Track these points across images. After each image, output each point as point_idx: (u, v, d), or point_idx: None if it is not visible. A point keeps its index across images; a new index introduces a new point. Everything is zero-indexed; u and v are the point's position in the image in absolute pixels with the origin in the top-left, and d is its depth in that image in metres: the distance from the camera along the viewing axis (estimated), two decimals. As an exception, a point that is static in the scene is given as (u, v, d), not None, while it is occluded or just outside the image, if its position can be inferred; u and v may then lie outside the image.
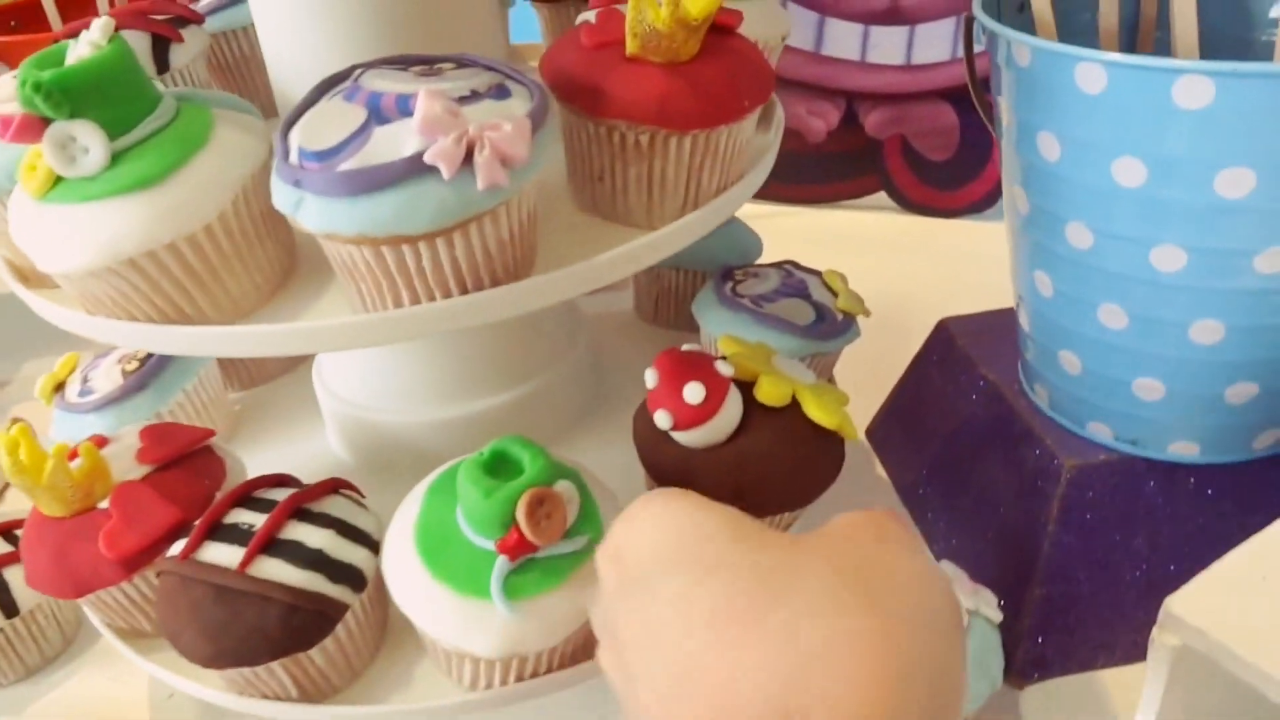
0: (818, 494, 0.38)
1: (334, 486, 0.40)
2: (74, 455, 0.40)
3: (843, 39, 0.94)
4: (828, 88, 0.95)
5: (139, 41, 0.44)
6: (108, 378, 0.50)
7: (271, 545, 0.37)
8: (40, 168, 0.31)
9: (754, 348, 0.39)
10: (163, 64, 0.45)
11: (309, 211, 0.30)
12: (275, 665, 0.36)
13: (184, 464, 0.42)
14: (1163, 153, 0.37)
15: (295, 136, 0.31)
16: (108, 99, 0.30)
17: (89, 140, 0.30)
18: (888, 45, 0.93)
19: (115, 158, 0.30)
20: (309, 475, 0.41)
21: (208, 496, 0.41)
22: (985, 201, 0.94)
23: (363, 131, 0.30)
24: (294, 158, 0.31)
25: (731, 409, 0.36)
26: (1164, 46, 0.45)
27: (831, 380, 0.55)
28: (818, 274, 0.54)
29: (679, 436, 0.36)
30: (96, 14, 0.44)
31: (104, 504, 0.40)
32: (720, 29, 0.36)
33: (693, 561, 0.23)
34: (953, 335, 0.56)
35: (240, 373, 0.57)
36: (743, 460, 0.36)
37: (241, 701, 0.38)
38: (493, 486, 0.33)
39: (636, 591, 0.24)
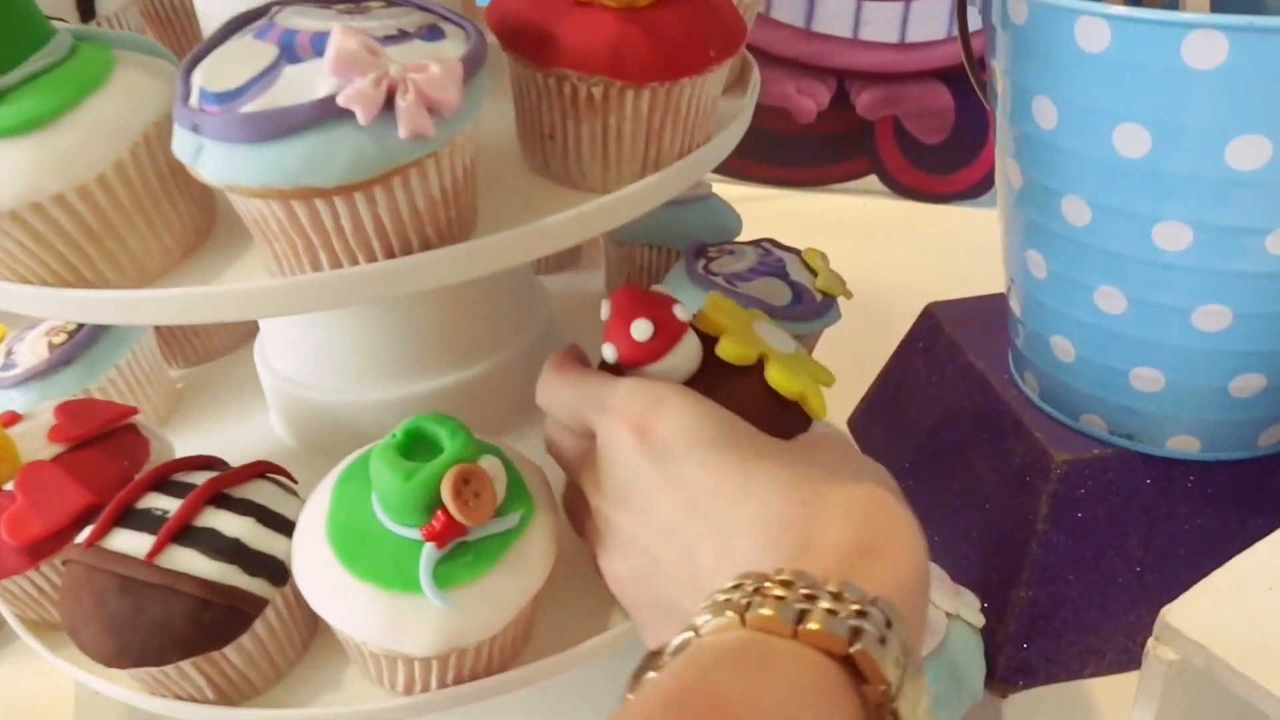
0: None
1: (260, 470, 0.37)
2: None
3: (834, 15, 0.90)
4: (818, 66, 0.92)
5: (59, -18, 0.40)
6: (32, 351, 0.46)
7: (184, 533, 0.34)
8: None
9: (739, 309, 0.36)
10: (88, 9, 0.41)
11: (209, 160, 0.27)
12: (186, 665, 0.33)
13: (101, 443, 0.39)
14: (1169, 119, 0.33)
15: (197, 77, 0.28)
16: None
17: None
18: (881, 22, 0.90)
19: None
20: (247, 458, 0.38)
21: (125, 479, 0.37)
22: (980, 187, 0.91)
23: (271, 71, 0.27)
24: (194, 100, 0.27)
25: (683, 355, 0.33)
26: (1172, 5, 0.42)
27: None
28: (797, 252, 0.51)
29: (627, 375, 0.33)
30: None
31: (9, 486, 0.36)
32: (684, -28, 0.32)
33: (742, 445, 0.28)
34: (940, 321, 0.53)
35: (184, 348, 0.54)
36: None
37: (153, 702, 0.35)
38: (412, 469, 0.30)
39: (676, 462, 0.28)
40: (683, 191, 0.39)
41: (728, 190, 0.61)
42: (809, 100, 0.93)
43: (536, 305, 0.47)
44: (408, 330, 0.41)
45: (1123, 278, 0.38)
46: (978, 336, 0.51)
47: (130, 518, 0.34)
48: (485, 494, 0.30)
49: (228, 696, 0.35)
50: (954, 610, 0.40)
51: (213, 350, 0.54)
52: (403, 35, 0.28)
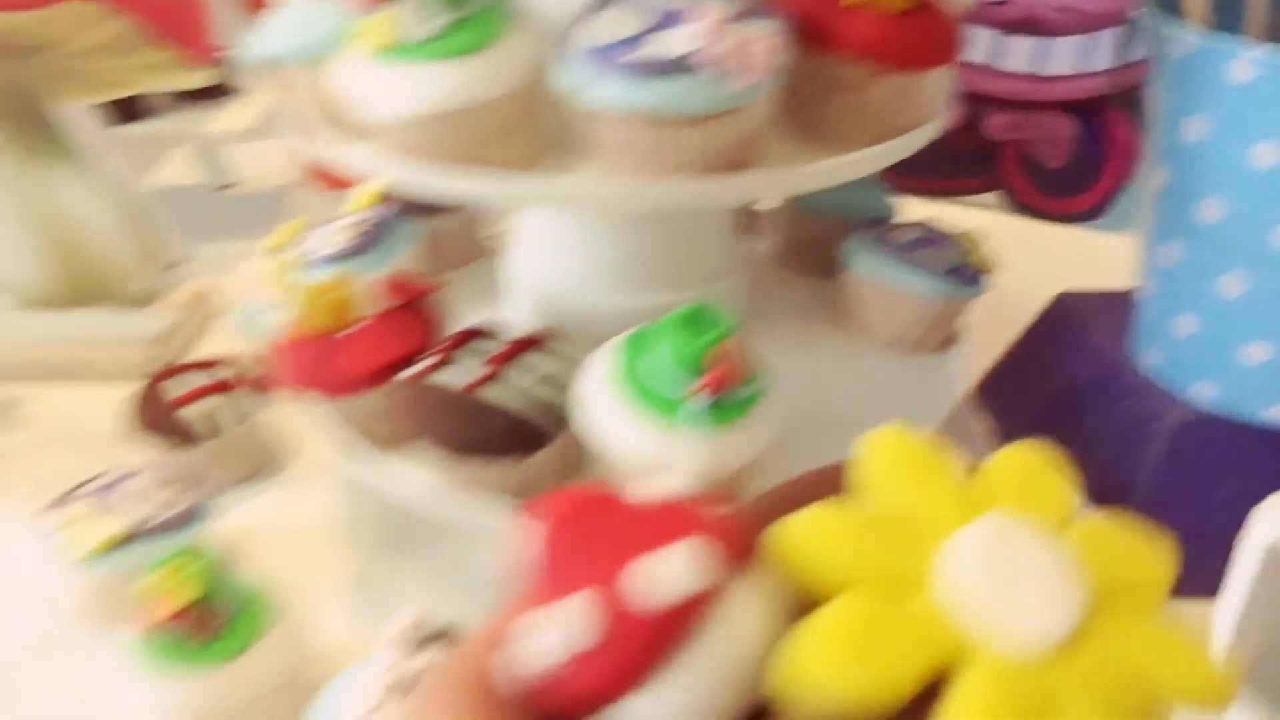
0: None
1: (544, 338, 0.48)
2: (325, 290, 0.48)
3: (975, 43, 0.99)
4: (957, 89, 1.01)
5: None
6: (327, 242, 0.58)
7: (492, 377, 0.44)
8: (381, 32, 0.39)
9: None
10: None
11: (592, 91, 0.37)
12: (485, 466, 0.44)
13: (412, 308, 0.50)
14: (1299, 139, 0.43)
15: (585, 31, 0.38)
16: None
17: (434, 11, 0.37)
18: (1019, 54, 0.99)
19: (448, 28, 0.38)
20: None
21: (433, 337, 0.49)
22: (1095, 211, 0.99)
23: (644, 33, 0.38)
24: (584, 47, 0.38)
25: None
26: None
27: (954, 335, 0.60)
28: (955, 233, 0.60)
29: None
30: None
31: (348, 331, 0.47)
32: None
33: None
34: (1069, 306, 0.62)
35: (437, 257, 0.65)
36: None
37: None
38: (696, 334, 0.40)
39: None
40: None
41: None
42: (944, 117, 1.02)
43: (739, 256, 0.58)
44: (653, 250, 0.52)
45: (1244, 266, 0.47)
46: (1103, 320, 0.60)
47: (448, 362, 0.45)
48: (743, 364, 0.40)
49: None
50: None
51: (458, 259, 0.65)
52: (736, 16, 0.39)
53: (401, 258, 0.59)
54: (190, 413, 0.57)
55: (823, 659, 0.15)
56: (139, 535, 0.48)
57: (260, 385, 0.61)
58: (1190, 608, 0.53)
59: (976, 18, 0.99)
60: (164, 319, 0.74)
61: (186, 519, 0.49)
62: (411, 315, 0.49)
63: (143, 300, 0.75)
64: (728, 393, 0.41)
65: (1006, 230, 0.99)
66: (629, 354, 0.43)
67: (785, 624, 0.16)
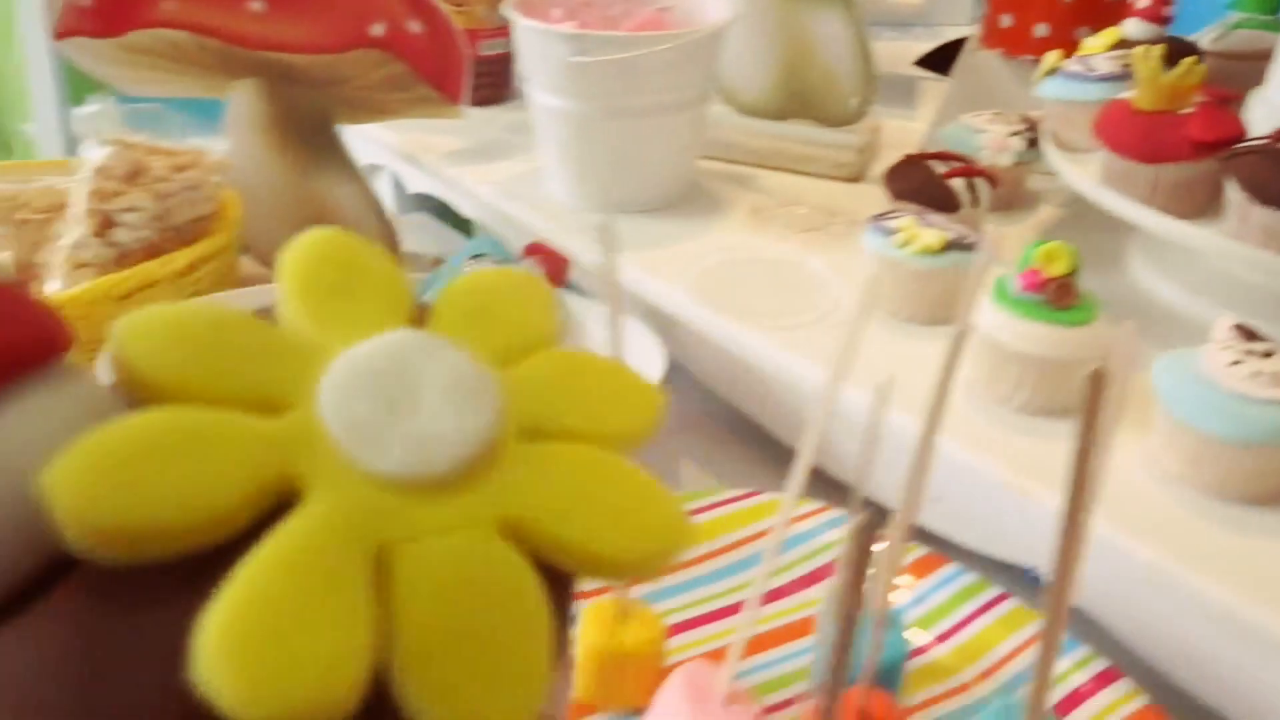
0: None
1: None
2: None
3: None
4: None
5: None
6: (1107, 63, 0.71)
7: None
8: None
9: None
10: None
11: None
12: None
13: (1225, 106, 0.61)
14: None
15: None
16: None
17: None
18: None
19: None
20: None
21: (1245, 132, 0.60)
22: None
23: None
24: None
25: None
26: None
27: None
28: None
29: None
30: None
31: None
32: None
33: None
34: None
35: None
36: None
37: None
38: None
39: None
40: None
41: None
42: None
43: None
44: None
45: None
46: None
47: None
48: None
49: None
50: None
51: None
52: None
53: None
54: (956, 184, 0.73)
55: (76, 475, 0.14)
56: (953, 246, 0.64)
57: (992, 178, 0.76)
58: None
59: None
60: (865, 134, 0.91)
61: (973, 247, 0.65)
62: (1224, 112, 0.60)
63: (849, 119, 0.93)
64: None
65: None
66: None
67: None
